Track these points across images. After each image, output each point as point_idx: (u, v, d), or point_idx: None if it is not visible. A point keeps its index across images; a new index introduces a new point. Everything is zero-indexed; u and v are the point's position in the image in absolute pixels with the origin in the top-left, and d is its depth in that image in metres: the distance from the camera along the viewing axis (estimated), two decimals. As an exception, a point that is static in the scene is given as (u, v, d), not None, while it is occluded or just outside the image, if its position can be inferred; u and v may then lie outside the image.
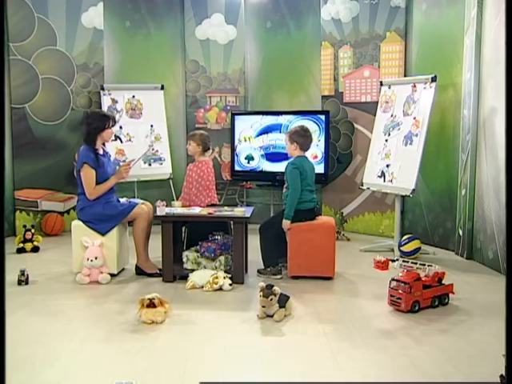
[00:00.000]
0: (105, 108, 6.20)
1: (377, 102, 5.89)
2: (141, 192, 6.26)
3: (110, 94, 6.32)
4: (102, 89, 6.30)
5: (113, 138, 6.05)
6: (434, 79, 5.19)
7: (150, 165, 6.31)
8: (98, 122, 4.53)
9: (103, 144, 4.72)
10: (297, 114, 6.35)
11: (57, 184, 6.37)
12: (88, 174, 4.45)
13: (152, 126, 6.42)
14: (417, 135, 5.25)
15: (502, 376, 2.34)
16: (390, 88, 5.72)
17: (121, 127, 6.24)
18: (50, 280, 4.52)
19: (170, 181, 6.47)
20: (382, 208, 6.27)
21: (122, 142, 6.28)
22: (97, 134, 4.52)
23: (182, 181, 6.87)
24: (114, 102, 6.31)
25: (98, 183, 4.49)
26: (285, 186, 4.66)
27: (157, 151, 6.40)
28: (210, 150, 5.17)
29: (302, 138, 4.62)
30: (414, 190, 5.17)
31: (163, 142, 6.46)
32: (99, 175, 4.50)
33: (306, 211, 4.59)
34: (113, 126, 4.64)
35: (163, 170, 6.43)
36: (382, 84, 5.85)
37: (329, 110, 6.38)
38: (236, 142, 6.61)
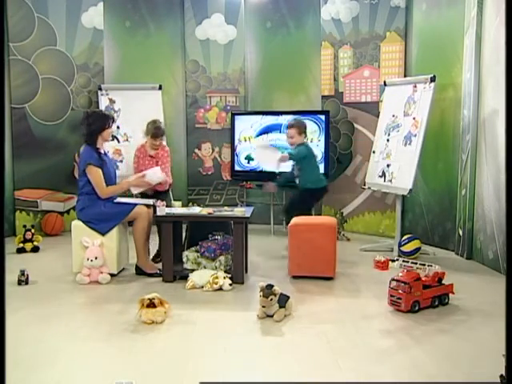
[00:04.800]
0: (102, 108, 6.20)
1: (377, 102, 5.89)
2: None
3: (107, 94, 6.32)
4: (100, 89, 6.31)
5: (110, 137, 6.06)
6: (432, 79, 5.18)
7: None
8: (98, 122, 4.55)
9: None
10: (297, 114, 6.33)
11: (57, 184, 6.36)
12: (96, 174, 4.46)
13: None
14: (416, 135, 5.25)
15: (502, 376, 2.33)
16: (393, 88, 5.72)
17: (118, 127, 6.24)
18: (50, 280, 4.52)
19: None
20: (382, 208, 6.26)
21: (119, 141, 6.27)
22: (98, 134, 4.55)
23: (182, 180, 6.86)
24: (112, 101, 6.30)
25: None
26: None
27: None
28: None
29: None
30: (411, 189, 5.17)
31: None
32: (103, 174, 4.51)
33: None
34: (112, 125, 4.67)
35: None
36: (385, 84, 5.85)
37: (329, 110, 6.38)
38: (236, 141, 6.61)
